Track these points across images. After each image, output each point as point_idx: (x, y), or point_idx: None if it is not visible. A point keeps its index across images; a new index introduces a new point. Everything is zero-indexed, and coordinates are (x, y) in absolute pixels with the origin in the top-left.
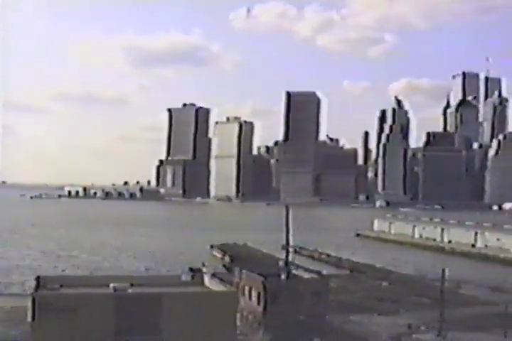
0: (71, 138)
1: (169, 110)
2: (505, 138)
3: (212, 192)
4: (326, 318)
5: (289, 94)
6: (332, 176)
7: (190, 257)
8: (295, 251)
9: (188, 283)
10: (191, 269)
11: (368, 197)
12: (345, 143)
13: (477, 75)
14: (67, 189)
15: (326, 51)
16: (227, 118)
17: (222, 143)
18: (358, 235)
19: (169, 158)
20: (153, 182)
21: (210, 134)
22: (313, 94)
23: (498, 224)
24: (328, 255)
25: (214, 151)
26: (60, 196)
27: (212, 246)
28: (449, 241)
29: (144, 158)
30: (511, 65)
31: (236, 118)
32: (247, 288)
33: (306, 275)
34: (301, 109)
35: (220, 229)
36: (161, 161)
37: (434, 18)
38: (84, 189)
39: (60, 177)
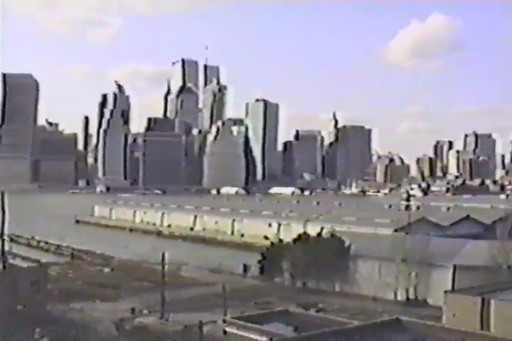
0: None
1: None
2: (223, 124)
3: None
4: (47, 307)
5: (4, 76)
6: (51, 161)
7: None
8: (11, 240)
9: None
10: None
11: (88, 183)
12: (65, 128)
13: (196, 63)
14: None
15: (46, 32)
16: None
17: None
18: (77, 221)
19: None
20: None
21: None
22: (30, 76)
23: (216, 208)
24: (47, 242)
25: None
26: None
27: None
28: (169, 225)
29: None
30: (229, 54)
31: None
32: None
33: (24, 264)
34: (17, 92)
35: None
36: None
37: (159, 3)
38: None
39: None
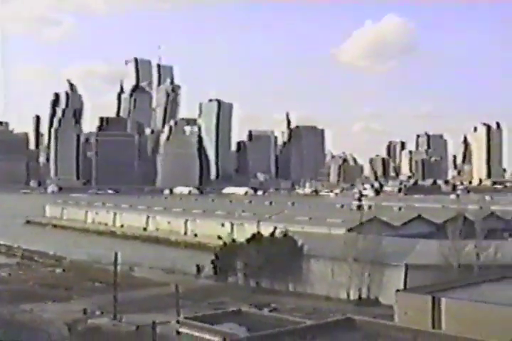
0: None
1: None
2: (176, 123)
3: None
4: None
5: None
6: (2, 161)
7: None
8: None
9: None
10: None
11: (40, 183)
12: (16, 127)
13: (149, 62)
14: None
15: None
16: None
17: None
18: (28, 222)
19: None
20: None
21: None
22: None
23: (169, 208)
24: None
25: None
26: None
27: None
28: (122, 226)
29: None
30: (182, 53)
31: None
32: None
33: None
34: None
35: None
36: None
37: (112, 2)
38: None
39: None
